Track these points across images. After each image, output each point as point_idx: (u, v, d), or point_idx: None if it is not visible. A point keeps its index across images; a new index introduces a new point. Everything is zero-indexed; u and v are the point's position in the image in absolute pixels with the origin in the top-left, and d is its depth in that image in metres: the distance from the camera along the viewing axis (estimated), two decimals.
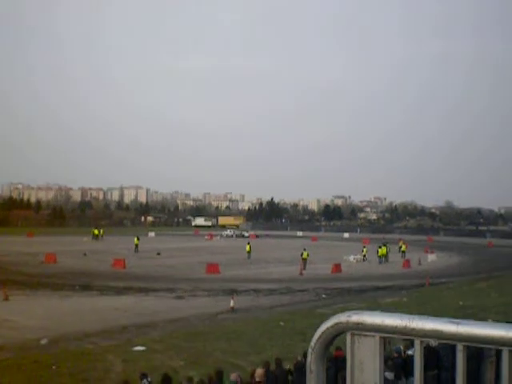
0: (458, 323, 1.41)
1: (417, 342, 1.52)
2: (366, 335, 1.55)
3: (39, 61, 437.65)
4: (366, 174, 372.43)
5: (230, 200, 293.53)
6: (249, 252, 63.45)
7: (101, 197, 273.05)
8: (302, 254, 53.80)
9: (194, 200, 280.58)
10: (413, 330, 1.46)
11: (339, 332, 1.60)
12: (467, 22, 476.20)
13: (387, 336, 1.55)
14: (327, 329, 1.62)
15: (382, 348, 1.55)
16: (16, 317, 28.68)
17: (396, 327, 1.49)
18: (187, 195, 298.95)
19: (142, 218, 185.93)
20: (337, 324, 1.60)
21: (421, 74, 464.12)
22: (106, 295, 36.94)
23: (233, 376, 13.16)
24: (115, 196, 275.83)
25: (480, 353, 16.96)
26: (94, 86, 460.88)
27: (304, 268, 51.60)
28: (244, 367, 18.94)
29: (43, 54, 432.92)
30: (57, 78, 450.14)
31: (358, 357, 1.58)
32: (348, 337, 1.59)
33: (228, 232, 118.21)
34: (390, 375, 13.81)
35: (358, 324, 1.55)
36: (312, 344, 1.66)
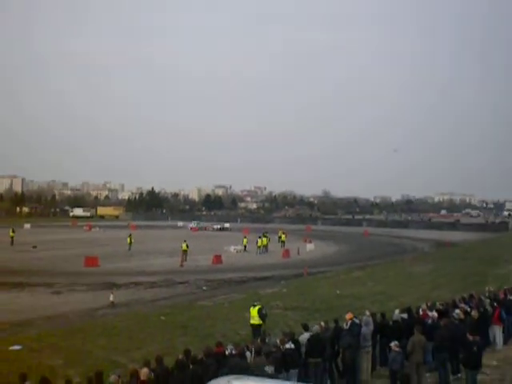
0: None
1: None
2: None
3: None
4: (247, 164, 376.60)
5: (110, 189, 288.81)
6: (130, 244, 62.65)
7: None
8: (182, 246, 53.75)
9: (71, 189, 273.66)
10: None
11: None
12: None
13: None
14: None
15: None
16: None
17: None
18: (65, 184, 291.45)
19: (17, 209, 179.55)
20: None
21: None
22: None
23: (112, 378, 12.94)
24: None
25: (357, 343, 17.54)
26: None
27: (185, 260, 51.57)
28: (125, 364, 18.73)
29: None
30: None
31: None
32: None
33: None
34: (270, 369, 14.00)
35: None
36: None
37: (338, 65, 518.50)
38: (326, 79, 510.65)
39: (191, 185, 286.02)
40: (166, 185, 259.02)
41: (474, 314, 20.23)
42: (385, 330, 18.90)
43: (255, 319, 22.56)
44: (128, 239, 63.47)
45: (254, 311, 22.66)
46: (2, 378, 16.78)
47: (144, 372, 12.96)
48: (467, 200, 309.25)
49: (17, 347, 21.36)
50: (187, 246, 53.69)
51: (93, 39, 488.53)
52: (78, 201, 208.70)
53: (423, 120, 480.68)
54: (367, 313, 19.65)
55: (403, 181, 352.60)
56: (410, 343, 16.70)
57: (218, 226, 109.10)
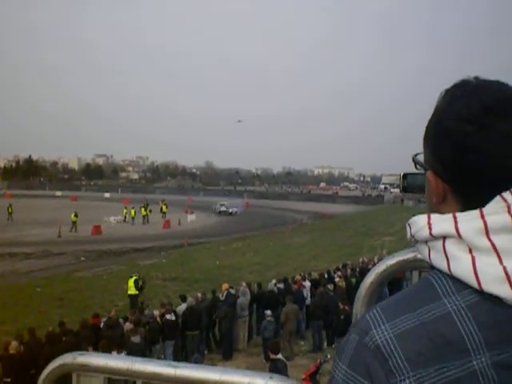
0: (176, 366, 1.49)
1: (139, 383, 1.59)
2: (91, 376, 1.59)
3: None
4: (129, 133, 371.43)
5: None
6: (10, 213, 60.59)
7: None
8: (75, 215, 53.53)
9: None
10: (134, 372, 1.52)
11: (65, 372, 1.62)
12: None
13: (112, 377, 1.60)
14: (53, 369, 1.63)
15: None
16: None
17: (119, 369, 1.54)
18: None
19: None
20: (62, 365, 1.62)
21: None
22: None
23: None
24: None
25: (232, 313, 17.85)
26: None
27: (75, 230, 51.09)
28: None
29: None
30: None
31: None
32: (74, 377, 1.62)
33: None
34: (136, 339, 14.08)
35: (83, 365, 1.57)
36: (39, 382, 1.66)
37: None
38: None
39: (71, 153, 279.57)
40: (44, 153, 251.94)
41: (343, 283, 21.06)
42: (261, 300, 19.33)
43: (132, 290, 22.69)
44: (8, 209, 61.31)
45: (130, 282, 22.80)
46: None
47: (13, 345, 12.77)
48: (346, 173, 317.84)
49: None
50: (76, 216, 52.80)
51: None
52: None
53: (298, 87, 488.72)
54: (244, 283, 20.05)
55: (284, 153, 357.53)
56: (283, 313, 17.20)
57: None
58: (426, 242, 1.14)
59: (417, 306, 1.05)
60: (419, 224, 1.15)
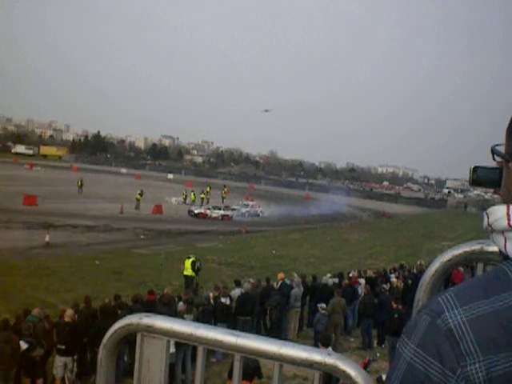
0: (237, 335, 1.54)
1: (200, 349, 1.63)
2: (154, 337, 1.64)
3: None
4: (196, 116, 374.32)
5: (55, 129, 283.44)
6: (80, 187, 61.93)
7: None
8: (139, 194, 54.75)
9: (15, 126, 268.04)
10: (197, 337, 1.57)
11: (130, 332, 1.69)
12: None
13: (174, 340, 1.66)
14: (119, 328, 1.69)
15: (168, 350, 1.65)
16: None
17: (183, 333, 1.59)
18: (8, 120, 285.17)
19: None
20: (128, 325, 1.68)
21: None
22: None
23: (35, 311, 13.01)
24: None
25: (285, 303, 17.88)
26: None
27: (138, 208, 51.98)
28: (55, 304, 18.78)
29: None
30: None
31: (147, 356, 1.67)
32: (138, 337, 1.68)
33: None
34: (189, 317, 14.19)
35: (148, 327, 1.63)
36: (104, 341, 1.73)
37: None
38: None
39: (138, 133, 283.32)
40: (112, 130, 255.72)
41: (400, 284, 20.88)
42: (314, 293, 19.32)
43: (188, 271, 22.89)
44: (79, 182, 62.68)
45: (187, 263, 22.97)
46: None
47: (68, 313, 13.05)
48: (410, 174, 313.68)
49: None
50: (141, 195, 54.04)
51: None
52: (21, 138, 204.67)
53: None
54: (294, 274, 20.10)
55: (349, 149, 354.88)
56: (329, 305, 17.17)
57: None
58: (502, 232, 1.15)
59: (490, 294, 1.07)
60: (498, 213, 1.16)
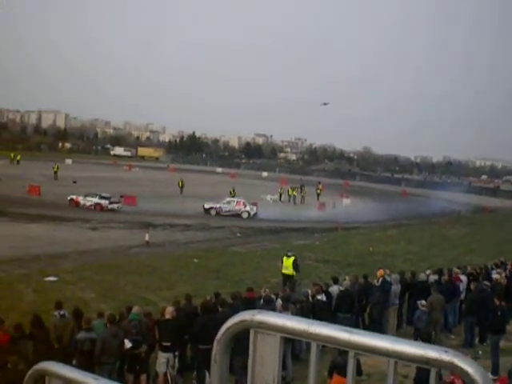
0: (350, 332, 1.54)
1: (313, 345, 1.64)
2: (268, 334, 1.66)
3: None
4: (289, 114, 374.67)
5: (151, 131, 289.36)
6: (181, 187, 63.25)
7: (17, 119, 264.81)
8: (231, 192, 56.51)
9: (114, 128, 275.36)
10: (310, 334, 1.58)
11: (243, 328, 1.72)
12: None
13: (287, 336, 1.67)
14: (233, 325, 1.73)
15: (281, 347, 1.67)
16: None
17: (295, 330, 1.61)
18: (107, 123, 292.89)
19: (60, 144, 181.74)
20: (242, 321, 1.71)
21: None
22: (18, 222, 36.31)
23: (135, 309, 13.34)
24: (32, 119, 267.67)
25: (386, 300, 17.68)
26: None
27: None
28: (155, 302, 19.20)
29: None
30: None
31: (260, 352, 1.70)
32: (251, 333, 1.71)
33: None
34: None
35: (261, 323, 1.66)
36: (218, 337, 1.77)
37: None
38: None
39: (232, 132, 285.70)
40: (207, 130, 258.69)
41: (503, 280, 20.25)
42: (414, 289, 19.02)
43: (289, 269, 22.73)
44: (179, 182, 64.07)
45: (288, 261, 22.79)
46: (37, 305, 17.31)
47: (169, 310, 13.30)
48: (510, 167, 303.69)
49: (52, 278, 21.98)
50: (234, 192, 56.15)
51: None
52: (119, 140, 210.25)
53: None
54: (387, 271, 19.84)
55: (445, 142, 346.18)
56: (427, 302, 16.85)
57: None
58: None
59: None
60: None
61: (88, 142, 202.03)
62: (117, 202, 46.63)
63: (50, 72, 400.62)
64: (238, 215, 47.65)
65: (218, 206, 48.70)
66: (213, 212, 48.13)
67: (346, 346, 1.53)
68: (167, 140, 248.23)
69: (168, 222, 40.76)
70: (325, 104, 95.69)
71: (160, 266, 25.94)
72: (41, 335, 12.23)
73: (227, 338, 1.72)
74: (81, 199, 46.22)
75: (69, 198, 46.69)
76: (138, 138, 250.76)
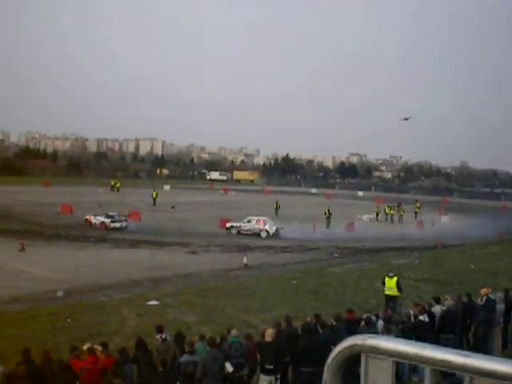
0: (466, 356, 1.50)
1: (427, 370, 1.60)
2: (379, 358, 1.63)
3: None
4: (382, 132, 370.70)
5: (245, 154, 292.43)
6: (276, 209, 63.59)
7: (116, 148, 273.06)
8: (325, 213, 56.01)
9: (209, 153, 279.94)
10: (423, 357, 1.54)
11: (354, 353, 1.69)
12: None
13: (399, 361, 1.64)
14: (344, 349, 1.71)
15: (393, 371, 1.64)
16: (32, 268, 29.11)
17: (408, 354, 1.57)
18: (202, 148, 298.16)
19: (158, 171, 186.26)
20: (352, 346, 1.69)
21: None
22: (120, 248, 37.40)
23: (234, 332, 13.40)
24: (131, 147, 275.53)
25: (491, 320, 17.13)
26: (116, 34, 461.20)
27: (327, 226, 53.38)
28: (255, 324, 19.24)
29: None
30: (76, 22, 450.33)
31: (372, 377, 1.67)
32: (363, 358, 1.68)
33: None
34: None
35: (372, 348, 1.63)
36: (328, 361, 1.75)
37: None
38: None
39: (326, 152, 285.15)
40: (300, 151, 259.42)
41: None
42: None
43: (393, 290, 22.25)
44: (275, 204, 64.48)
45: (391, 282, 22.28)
46: (140, 329, 17.66)
47: (269, 332, 13.29)
48: None
49: (154, 302, 22.40)
50: (329, 212, 55.47)
51: None
52: (215, 164, 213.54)
53: None
54: (489, 289, 19.15)
55: None
56: None
57: None
58: None
59: None
60: None
61: (184, 168, 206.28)
62: (120, 221, 47.65)
63: (146, 101, 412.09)
64: (257, 234, 46.66)
65: (238, 224, 47.86)
66: (233, 231, 47.42)
67: (461, 369, 1.49)
68: (261, 163, 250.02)
69: (265, 244, 40.99)
70: (406, 119, 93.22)
71: (258, 288, 26.03)
72: (145, 359, 12.47)
73: (338, 362, 1.70)
74: (92, 218, 48.15)
75: (84, 217, 48.67)
76: (232, 161, 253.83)
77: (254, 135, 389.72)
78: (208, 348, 12.64)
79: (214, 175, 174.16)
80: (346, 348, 1.70)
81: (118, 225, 46.88)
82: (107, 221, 46.97)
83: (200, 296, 24.03)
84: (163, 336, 13.34)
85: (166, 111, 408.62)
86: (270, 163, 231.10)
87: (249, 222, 47.57)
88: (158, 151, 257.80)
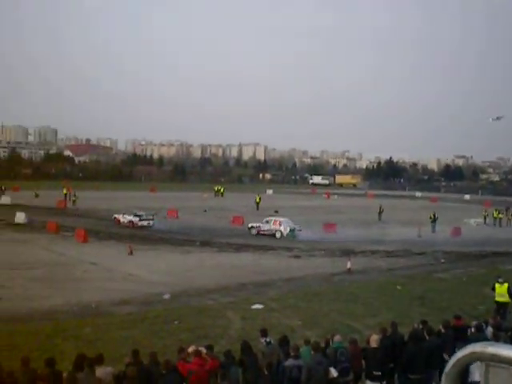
0: None
1: None
2: (500, 367, 1.59)
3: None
4: (489, 133, 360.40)
5: (348, 158, 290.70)
6: (380, 213, 63.00)
7: (220, 153, 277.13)
8: (430, 217, 54.89)
9: (311, 157, 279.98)
10: None
11: (473, 361, 1.66)
12: None
13: None
14: (463, 357, 1.67)
15: None
16: (140, 271, 29.91)
17: None
18: (304, 153, 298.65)
19: (260, 176, 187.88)
20: (472, 353, 1.66)
21: None
22: (225, 252, 37.91)
23: (337, 337, 13.30)
24: (234, 153, 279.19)
25: None
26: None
27: (433, 230, 52.44)
28: (360, 330, 19.08)
29: None
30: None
31: None
32: (482, 367, 1.65)
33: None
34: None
35: (493, 355, 1.59)
36: (447, 370, 1.72)
37: None
38: None
39: (430, 155, 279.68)
40: (404, 154, 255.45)
41: None
42: None
43: (505, 297, 21.55)
44: (379, 208, 63.98)
45: (502, 288, 21.57)
46: (245, 333, 17.84)
47: (374, 338, 13.13)
48: None
49: (258, 306, 22.57)
50: (434, 216, 54.35)
51: None
52: (317, 169, 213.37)
53: None
54: None
55: None
56: None
57: None
58: None
59: None
60: None
61: (287, 172, 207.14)
62: (147, 219, 50.68)
63: (249, 107, 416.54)
64: (273, 235, 46.82)
65: (258, 225, 48.17)
66: (253, 231, 47.85)
67: None
68: (364, 166, 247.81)
69: (369, 248, 40.55)
70: (498, 118, 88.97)
71: (362, 293, 25.78)
72: (250, 362, 12.56)
73: (456, 370, 1.67)
74: (121, 217, 51.41)
75: (113, 216, 52.35)
76: (335, 165, 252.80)
77: (356, 138, 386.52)
78: (313, 352, 12.61)
79: (317, 179, 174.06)
80: (465, 356, 1.66)
81: (145, 223, 50.12)
82: (135, 219, 50.34)
83: (304, 300, 24.05)
84: (268, 339, 13.42)
85: (269, 117, 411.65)
86: (373, 166, 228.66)
87: (267, 222, 48.13)
88: (261, 156, 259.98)
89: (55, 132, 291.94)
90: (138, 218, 50.13)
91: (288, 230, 47.00)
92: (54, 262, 32.30)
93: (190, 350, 12.18)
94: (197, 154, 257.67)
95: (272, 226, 47.60)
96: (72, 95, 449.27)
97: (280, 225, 47.52)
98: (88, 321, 20.08)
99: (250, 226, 48.77)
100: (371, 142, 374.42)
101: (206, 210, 63.11)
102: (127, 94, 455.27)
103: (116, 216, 51.79)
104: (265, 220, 48.62)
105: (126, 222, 50.26)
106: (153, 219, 51.05)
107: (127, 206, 62.79)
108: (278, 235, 46.87)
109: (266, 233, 47.27)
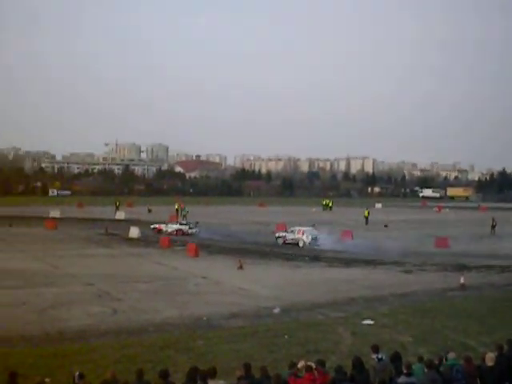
0: None
1: None
2: None
3: None
4: None
5: (459, 170, 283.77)
6: (493, 227, 61.30)
7: (327, 167, 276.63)
8: None
9: (420, 170, 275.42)
10: None
11: None
12: None
13: None
14: None
15: None
16: (250, 285, 30.22)
17: None
18: (414, 165, 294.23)
19: (369, 189, 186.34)
20: None
21: None
22: (334, 267, 37.82)
23: (451, 355, 12.99)
24: (342, 166, 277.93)
25: None
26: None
27: None
28: (475, 348, 18.55)
29: None
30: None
31: None
32: None
33: None
34: None
35: None
36: None
37: None
38: None
39: None
40: None
41: None
42: None
43: None
44: (492, 221, 62.24)
45: None
46: (355, 348, 17.69)
47: (490, 356, 12.77)
48: None
49: (369, 322, 22.36)
50: None
51: None
52: (427, 181, 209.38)
53: None
54: None
55: None
56: None
57: None
58: None
59: None
60: None
61: (396, 186, 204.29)
62: (192, 228, 55.56)
63: (352, 121, 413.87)
64: (297, 244, 48.88)
65: (284, 234, 50.95)
66: (280, 241, 50.28)
67: None
68: (476, 178, 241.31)
69: (484, 263, 39.29)
70: None
71: (477, 310, 25.07)
72: (361, 378, 12.46)
73: None
74: (163, 226, 56.12)
75: (152, 226, 56.60)
76: (445, 178, 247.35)
77: (467, 150, 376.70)
78: (426, 370, 12.38)
79: (427, 192, 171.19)
80: None
81: (194, 231, 55.06)
82: (184, 228, 55.37)
83: (416, 316, 23.62)
84: (379, 356, 13.27)
85: (377, 129, 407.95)
86: (486, 178, 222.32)
87: (292, 232, 50.60)
88: (369, 169, 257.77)
89: (166, 149, 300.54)
90: (187, 227, 56.05)
91: (310, 238, 48.99)
92: (167, 275, 33.19)
93: (300, 365, 12.18)
94: (304, 168, 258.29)
95: (296, 236, 49.83)
96: (182, 113, 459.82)
97: (303, 234, 49.62)
98: (199, 333, 20.47)
99: (277, 235, 51.53)
100: (483, 153, 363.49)
101: (314, 225, 62.62)
102: (235, 112, 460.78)
103: (156, 226, 57.16)
104: (290, 230, 51.27)
105: (170, 230, 55.32)
106: (196, 227, 56.19)
107: (236, 220, 63.43)
108: (300, 244, 49.02)
109: (291, 241, 49.46)
